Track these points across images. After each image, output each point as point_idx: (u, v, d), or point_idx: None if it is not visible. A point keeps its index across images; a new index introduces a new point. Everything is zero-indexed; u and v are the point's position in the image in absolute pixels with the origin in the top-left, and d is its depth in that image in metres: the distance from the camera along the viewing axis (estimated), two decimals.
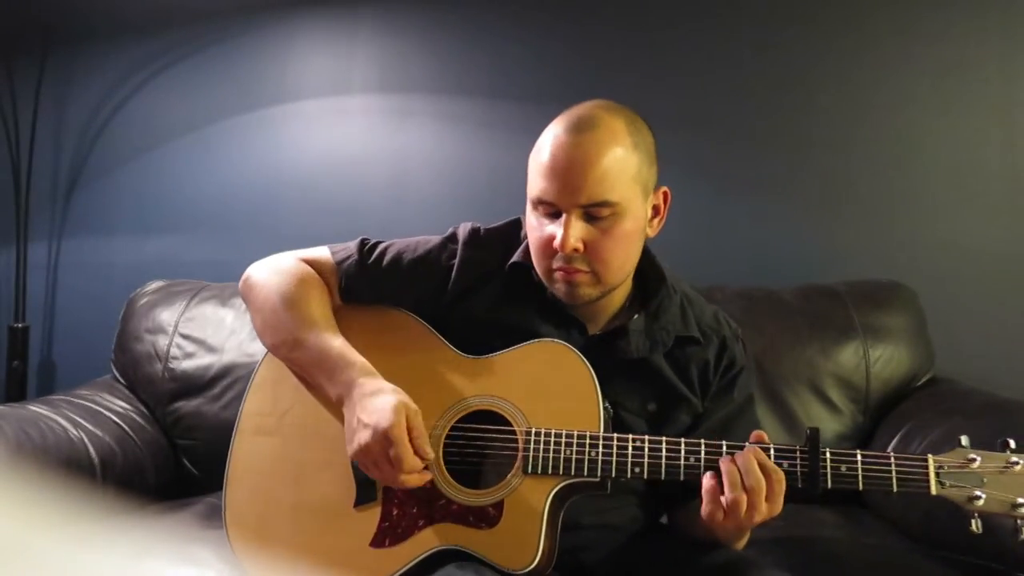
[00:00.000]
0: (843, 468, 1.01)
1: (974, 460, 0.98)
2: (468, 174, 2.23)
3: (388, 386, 1.13)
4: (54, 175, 2.43)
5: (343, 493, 1.15)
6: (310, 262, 1.29)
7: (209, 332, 1.91)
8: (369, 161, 2.28)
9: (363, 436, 1.07)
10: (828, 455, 1.01)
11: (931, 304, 1.85)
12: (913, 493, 0.99)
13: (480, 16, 2.24)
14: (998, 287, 2.00)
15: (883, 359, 1.76)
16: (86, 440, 1.63)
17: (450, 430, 1.14)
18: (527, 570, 1.02)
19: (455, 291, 1.22)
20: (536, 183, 1.10)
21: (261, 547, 1.17)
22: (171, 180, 2.37)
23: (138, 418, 1.83)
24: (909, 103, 2.06)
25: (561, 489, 1.06)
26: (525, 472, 1.07)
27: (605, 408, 1.09)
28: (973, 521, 0.97)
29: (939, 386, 1.77)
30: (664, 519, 1.28)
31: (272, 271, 1.27)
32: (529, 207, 1.14)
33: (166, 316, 1.94)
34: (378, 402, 1.09)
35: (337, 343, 1.18)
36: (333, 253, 1.29)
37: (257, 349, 1.81)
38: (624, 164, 1.08)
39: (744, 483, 0.98)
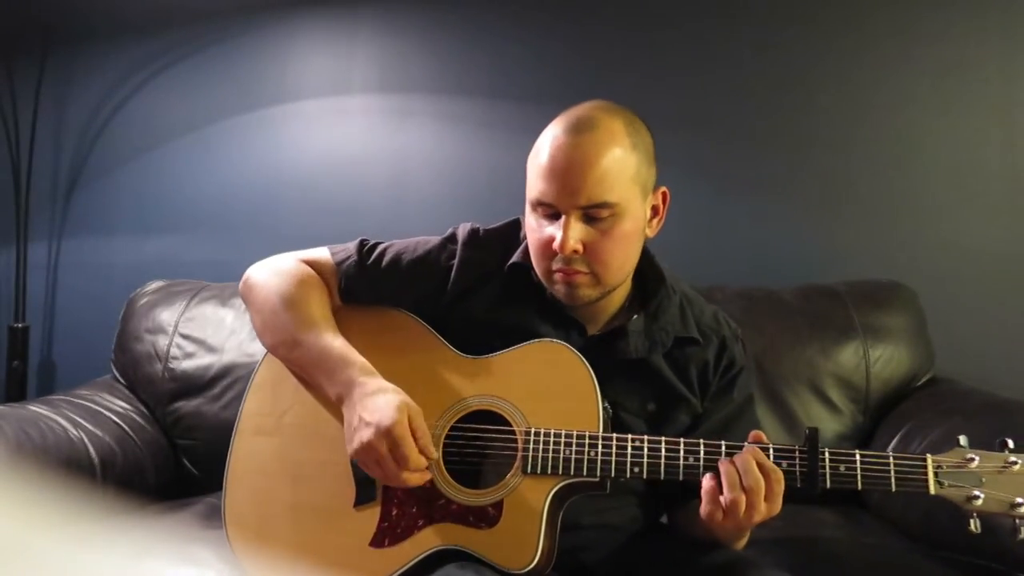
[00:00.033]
0: (842, 468, 1.01)
1: (972, 460, 0.98)
2: (468, 174, 2.23)
3: (389, 386, 1.13)
4: (54, 175, 2.43)
5: (343, 493, 1.15)
6: (310, 263, 1.29)
7: (209, 332, 1.91)
8: (369, 161, 2.28)
9: (365, 434, 1.07)
10: (827, 455, 1.01)
11: (931, 304, 1.85)
12: (912, 493, 0.99)
13: (480, 16, 2.24)
14: (998, 287, 2.00)
15: (883, 359, 1.76)
16: (86, 440, 1.63)
17: (449, 430, 1.14)
18: (526, 570, 1.02)
19: (454, 292, 1.23)
20: (535, 185, 1.10)
21: (261, 547, 1.17)
22: (171, 180, 2.37)
23: (138, 418, 1.83)
24: (909, 103, 2.06)
25: (560, 489, 1.06)
26: (524, 472, 1.07)
27: (604, 408, 1.09)
28: (972, 521, 0.97)
29: (939, 386, 1.77)
30: (664, 519, 1.28)
31: (272, 272, 1.27)
32: (528, 208, 1.14)
33: (166, 316, 1.94)
34: (380, 401, 1.09)
35: (337, 343, 1.19)
36: (333, 254, 1.29)
37: (257, 349, 1.81)
38: (623, 165, 1.08)
39: (742, 483, 0.98)
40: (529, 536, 1.03)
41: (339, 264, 1.28)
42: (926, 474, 0.99)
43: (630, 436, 1.06)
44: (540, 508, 1.05)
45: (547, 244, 1.10)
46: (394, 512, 1.12)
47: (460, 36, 2.26)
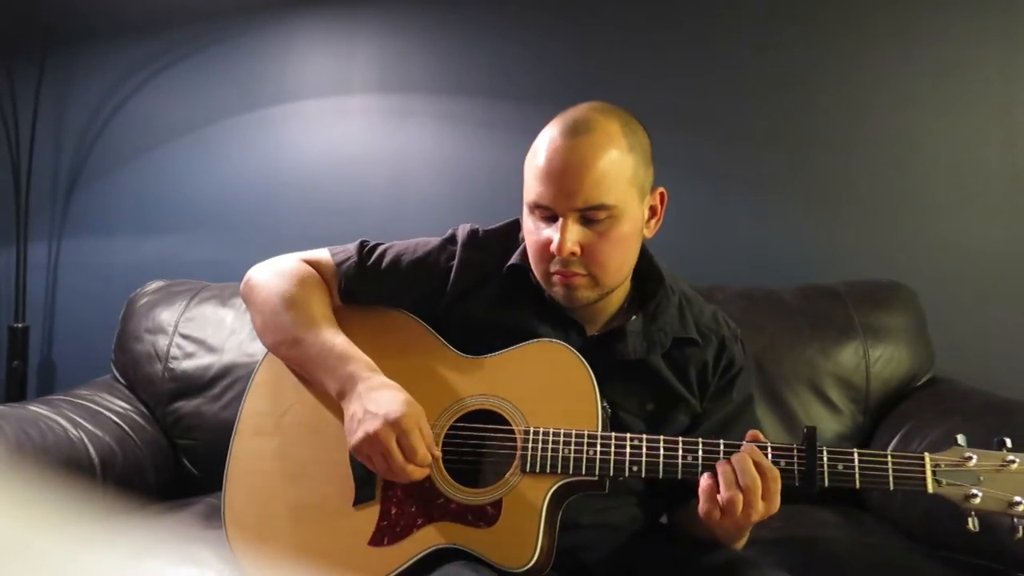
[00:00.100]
0: (840, 467, 1.01)
1: (970, 458, 0.98)
2: (468, 174, 2.23)
3: (393, 383, 1.13)
4: (54, 175, 2.43)
5: (342, 492, 1.15)
6: (311, 263, 1.30)
7: (209, 332, 1.91)
8: (369, 161, 2.28)
9: (372, 424, 1.07)
10: (825, 454, 1.01)
11: (931, 304, 1.85)
12: (910, 492, 0.99)
13: (480, 16, 2.24)
14: (998, 287, 2.00)
15: (883, 359, 1.76)
16: (86, 440, 1.63)
17: (449, 429, 1.14)
18: (525, 568, 1.02)
19: (454, 292, 1.23)
20: (532, 187, 1.11)
21: (260, 547, 1.17)
22: (171, 180, 2.37)
23: (138, 418, 1.83)
24: (909, 103, 2.06)
25: (559, 488, 1.06)
26: (523, 471, 1.07)
27: (603, 407, 1.09)
28: (970, 519, 0.97)
29: (939, 386, 1.77)
30: (664, 519, 1.28)
31: (273, 272, 1.28)
32: (526, 211, 1.14)
33: (166, 316, 1.94)
34: (386, 395, 1.10)
35: (339, 340, 1.19)
36: (333, 255, 1.30)
37: (257, 349, 1.82)
38: (620, 167, 1.08)
39: (739, 482, 0.99)
40: (528, 535, 1.03)
41: (339, 265, 1.28)
42: (924, 473, 0.99)
43: (628, 435, 1.06)
44: (539, 507, 1.05)
45: (545, 246, 1.10)
46: (393, 511, 1.12)
47: (460, 36, 2.26)
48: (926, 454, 1.00)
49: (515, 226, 1.25)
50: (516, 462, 1.08)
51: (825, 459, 1.01)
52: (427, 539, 1.08)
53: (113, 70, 2.40)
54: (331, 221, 2.25)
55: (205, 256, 2.33)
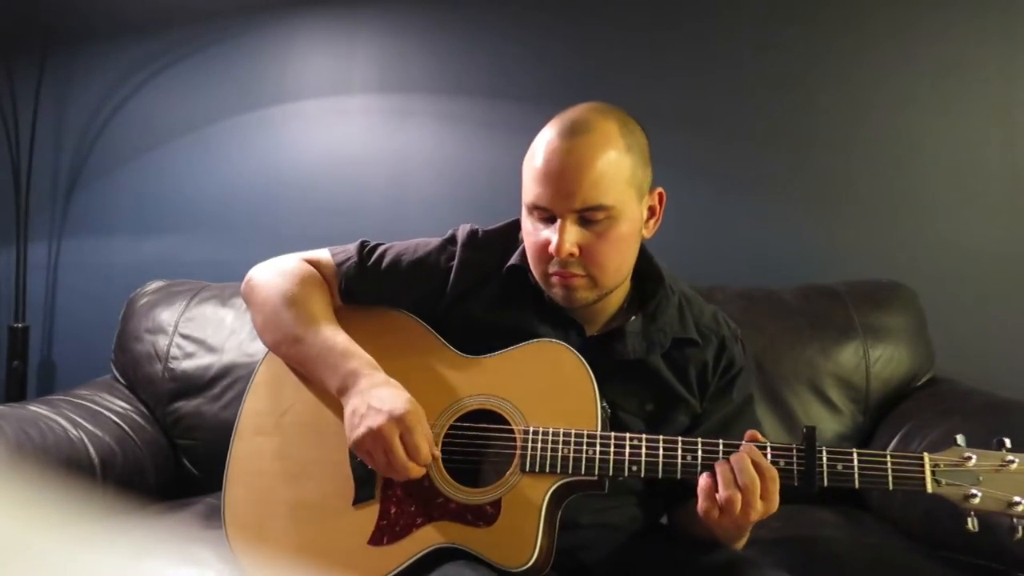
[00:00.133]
0: (839, 466, 1.01)
1: (970, 458, 0.98)
2: (468, 174, 2.23)
3: (395, 382, 1.13)
4: (54, 175, 2.44)
5: (341, 491, 1.15)
6: (311, 263, 1.30)
7: (209, 332, 1.91)
8: (369, 161, 2.28)
9: (376, 420, 1.07)
10: (824, 453, 1.01)
11: (931, 304, 1.85)
12: (910, 491, 0.99)
13: (480, 16, 2.24)
14: (998, 287, 2.00)
15: (883, 359, 1.76)
16: (86, 440, 1.63)
17: (448, 429, 1.14)
18: (524, 568, 1.02)
19: (454, 293, 1.23)
20: (530, 188, 1.11)
21: (260, 546, 1.17)
22: (171, 180, 2.37)
23: (138, 418, 1.83)
24: (909, 103, 2.06)
25: (559, 487, 1.06)
26: (523, 470, 1.07)
27: (603, 407, 1.09)
28: (969, 519, 0.97)
29: (939, 386, 1.77)
30: (664, 520, 1.28)
31: (274, 272, 1.28)
32: (524, 212, 1.14)
33: (166, 316, 1.94)
34: (390, 391, 1.10)
35: (341, 338, 1.19)
36: (333, 255, 1.30)
37: (257, 349, 1.82)
38: (618, 167, 1.08)
39: (737, 481, 0.99)
40: (527, 534, 1.03)
41: (339, 265, 1.28)
42: (923, 472, 0.99)
43: (628, 435, 1.06)
44: (538, 506, 1.05)
45: (543, 248, 1.10)
46: (393, 510, 1.12)
47: (460, 36, 2.26)
48: (925, 454, 1.00)
49: (515, 226, 1.25)
50: (515, 462, 1.08)
51: (824, 459, 1.01)
52: (426, 538, 1.08)
53: (113, 70, 2.40)
54: (331, 221, 2.25)
55: (205, 256, 2.33)
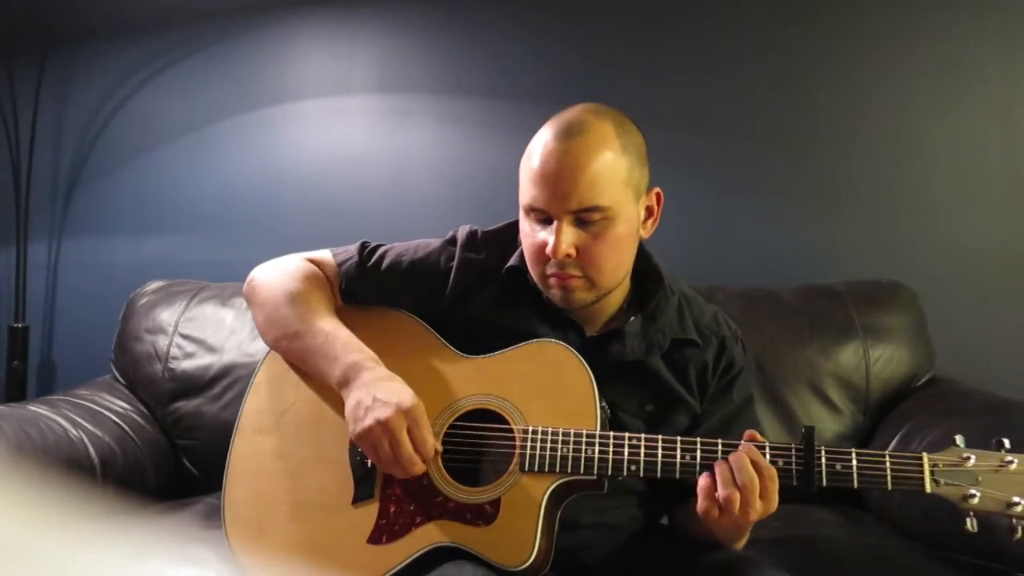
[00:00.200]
0: (838, 466, 1.01)
1: (969, 459, 0.98)
2: (468, 174, 2.23)
3: (397, 377, 1.14)
4: (54, 175, 2.44)
5: (341, 490, 1.15)
6: (313, 263, 1.30)
7: (209, 332, 1.91)
8: (369, 161, 2.28)
9: (383, 412, 1.07)
10: (823, 453, 1.01)
11: (931, 304, 1.85)
12: (909, 491, 0.99)
13: (480, 16, 2.24)
14: (998, 287, 2.00)
15: (883, 359, 1.76)
16: (86, 440, 1.63)
17: (448, 428, 1.14)
18: (523, 567, 1.02)
19: (453, 294, 1.23)
20: (527, 190, 1.11)
21: (259, 546, 1.17)
22: (171, 180, 2.37)
23: (138, 418, 1.83)
24: (909, 103, 2.06)
25: (558, 487, 1.06)
26: (522, 470, 1.07)
27: (602, 407, 1.09)
28: (968, 520, 0.97)
29: (939, 386, 1.77)
30: (664, 520, 1.28)
31: (276, 271, 1.29)
32: (522, 213, 1.14)
33: (166, 316, 1.94)
34: (396, 385, 1.11)
35: (343, 332, 1.20)
36: (334, 255, 1.31)
37: (257, 349, 1.82)
38: (614, 168, 1.08)
39: (736, 480, 0.99)
40: (526, 534, 1.03)
41: (340, 265, 1.29)
42: (922, 472, 0.99)
43: (627, 435, 1.06)
44: (537, 506, 1.05)
45: (540, 249, 1.10)
46: (392, 509, 1.12)
47: (460, 36, 2.26)
48: (924, 454, 1.00)
49: (514, 227, 1.25)
50: (515, 461, 1.08)
51: (823, 459, 1.01)
52: (425, 537, 1.08)
53: (113, 70, 2.40)
54: (331, 221, 2.25)
55: (205, 256, 2.33)
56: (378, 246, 1.31)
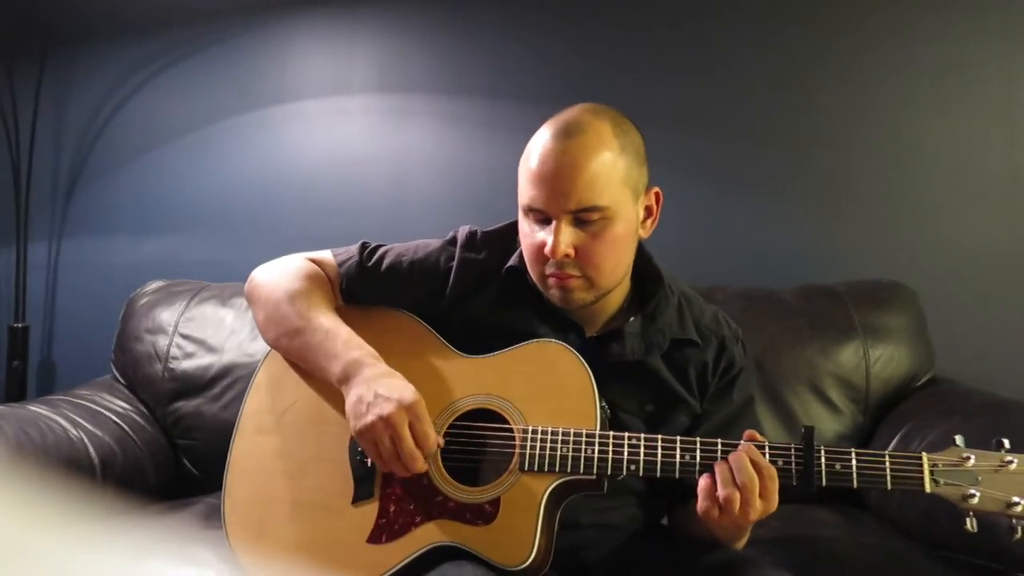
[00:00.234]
0: (837, 466, 1.01)
1: (968, 459, 0.98)
2: (468, 174, 2.23)
3: (398, 373, 1.14)
4: (54, 175, 2.44)
5: (340, 490, 1.15)
6: (314, 262, 1.31)
7: (209, 332, 1.91)
8: (369, 161, 2.28)
9: (386, 407, 1.07)
10: (823, 453, 1.01)
11: (931, 304, 1.85)
12: (908, 491, 0.99)
13: (480, 16, 2.24)
14: (998, 287, 2.00)
15: (883, 359, 1.76)
16: (86, 440, 1.63)
17: (448, 428, 1.14)
18: (523, 566, 1.02)
19: (453, 294, 1.23)
20: (525, 191, 1.11)
21: (259, 545, 1.17)
22: (171, 180, 2.37)
23: (138, 418, 1.83)
24: (909, 103, 2.06)
25: (557, 487, 1.06)
26: (522, 470, 1.07)
27: (602, 407, 1.09)
28: (968, 519, 0.97)
29: (939, 386, 1.77)
30: (665, 520, 1.28)
31: (277, 270, 1.29)
32: (520, 214, 1.14)
33: (166, 316, 1.94)
34: (397, 381, 1.11)
35: (344, 329, 1.20)
36: (335, 255, 1.31)
37: (257, 349, 1.82)
38: (612, 168, 1.08)
39: (735, 480, 0.99)
40: (526, 533, 1.03)
41: (340, 265, 1.29)
42: (922, 472, 0.99)
43: (627, 434, 1.06)
44: (537, 505, 1.05)
45: (539, 249, 1.10)
46: (392, 509, 1.12)
47: (460, 36, 2.26)
48: (924, 454, 1.00)
49: (514, 227, 1.25)
50: (514, 461, 1.08)
51: (823, 459, 1.01)
52: (425, 537, 1.08)
53: (113, 70, 2.40)
54: (331, 221, 2.25)
55: (205, 256, 2.33)
56: (378, 246, 1.31)
